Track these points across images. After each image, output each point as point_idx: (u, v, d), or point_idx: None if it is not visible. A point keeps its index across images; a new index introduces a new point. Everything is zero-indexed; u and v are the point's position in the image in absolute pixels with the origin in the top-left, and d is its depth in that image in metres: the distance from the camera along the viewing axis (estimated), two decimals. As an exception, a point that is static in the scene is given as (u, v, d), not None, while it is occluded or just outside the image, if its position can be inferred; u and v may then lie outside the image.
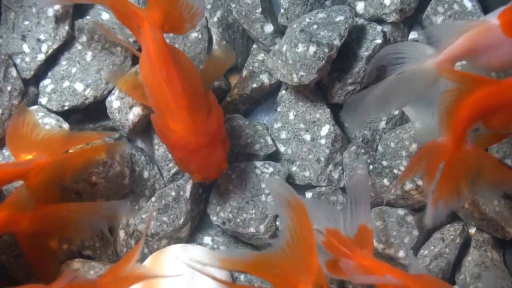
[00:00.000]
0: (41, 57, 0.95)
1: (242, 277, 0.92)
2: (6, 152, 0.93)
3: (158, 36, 0.81)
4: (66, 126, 0.94)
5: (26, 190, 0.81)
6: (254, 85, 1.00)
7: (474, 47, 0.78)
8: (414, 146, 0.93)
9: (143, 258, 0.93)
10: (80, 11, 0.99)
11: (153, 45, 0.80)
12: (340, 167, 0.97)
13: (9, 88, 0.93)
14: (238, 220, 0.93)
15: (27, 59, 0.95)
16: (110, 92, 0.96)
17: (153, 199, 0.93)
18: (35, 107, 0.95)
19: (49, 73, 0.97)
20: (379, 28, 0.95)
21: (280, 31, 1.01)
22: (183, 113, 0.80)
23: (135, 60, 0.97)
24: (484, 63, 0.79)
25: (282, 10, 0.99)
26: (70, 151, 0.89)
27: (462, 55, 0.79)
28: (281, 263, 0.70)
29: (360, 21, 0.97)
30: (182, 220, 0.93)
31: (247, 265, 0.71)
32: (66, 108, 0.95)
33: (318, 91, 0.98)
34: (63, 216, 0.83)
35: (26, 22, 0.96)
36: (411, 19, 1.00)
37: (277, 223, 0.93)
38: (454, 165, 0.77)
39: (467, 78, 0.73)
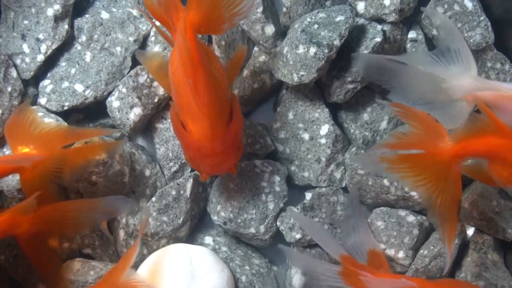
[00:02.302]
0: (40, 57, 0.95)
1: (243, 278, 0.92)
2: (6, 151, 0.93)
3: (189, 41, 0.79)
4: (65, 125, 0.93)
5: (29, 198, 0.80)
6: (256, 86, 0.99)
7: (503, 106, 0.78)
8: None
9: (142, 259, 0.93)
10: (79, 10, 0.99)
11: (184, 50, 0.78)
12: (342, 167, 0.97)
13: (9, 89, 0.93)
14: (239, 220, 0.93)
15: (27, 60, 0.95)
16: (110, 93, 0.96)
17: (153, 199, 0.93)
18: (34, 107, 0.95)
19: (49, 74, 0.97)
20: (379, 27, 0.94)
21: (281, 33, 1.00)
22: (204, 120, 0.78)
23: (135, 61, 0.97)
24: (508, 122, 0.77)
25: (284, 9, 0.97)
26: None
27: (490, 103, 0.79)
28: None
29: (361, 20, 0.96)
30: (181, 219, 0.93)
31: None
32: (66, 108, 0.95)
33: (317, 90, 0.98)
34: (63, 215, 0.83)
35: (26, 22, 0.96)
36: (410, 18, 1.00)
37: (277, 223, 0.93)
38: (429, 163, 0.77)
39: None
